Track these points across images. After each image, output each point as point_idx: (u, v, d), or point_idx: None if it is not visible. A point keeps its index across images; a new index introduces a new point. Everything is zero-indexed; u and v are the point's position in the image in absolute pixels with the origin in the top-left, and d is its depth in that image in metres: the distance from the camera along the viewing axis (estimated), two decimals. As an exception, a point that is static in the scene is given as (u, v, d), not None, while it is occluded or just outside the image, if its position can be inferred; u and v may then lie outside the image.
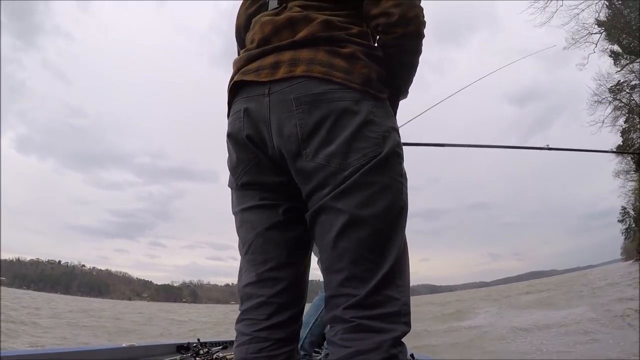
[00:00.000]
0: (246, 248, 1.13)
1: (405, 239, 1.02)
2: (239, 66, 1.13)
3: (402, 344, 0.93)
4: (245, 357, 1.06)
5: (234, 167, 1.14)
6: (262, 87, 1.04)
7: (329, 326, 1.01)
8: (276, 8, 1.17)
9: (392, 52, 1.11)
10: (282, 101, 1.01)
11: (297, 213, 1.09)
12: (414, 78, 1.20)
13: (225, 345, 3.03)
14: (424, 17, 1.09)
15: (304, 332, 2.44)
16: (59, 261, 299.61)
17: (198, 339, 2.97)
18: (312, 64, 1.01)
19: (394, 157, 1.00)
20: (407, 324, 0.95)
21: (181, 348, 2.82)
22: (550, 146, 1.88)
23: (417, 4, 1.09)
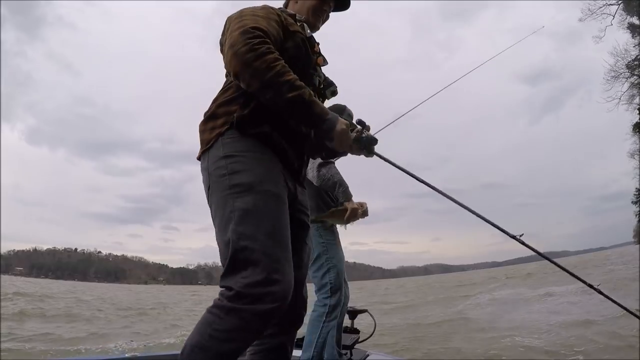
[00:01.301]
0: None
1: (260, 231, 1.23)
2: None
3: (229, 312, 1.18)
4: None
5: None
6: None
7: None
8: None
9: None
10: None
11: None
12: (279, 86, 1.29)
13: None
14: (239, 47, 1.27)
15: (309, 351, 2.47)
16: (75, 249, 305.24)
17: None
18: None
19: (217, 179, 1.33)
20: (245, 303, 1.17)
21: None
22: (523, 239, 1.84)
23: (231, 55, 1.29)
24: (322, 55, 1.69)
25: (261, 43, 1.27)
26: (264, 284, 1.17)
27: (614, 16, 18.45)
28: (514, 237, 1.84)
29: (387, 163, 1.65)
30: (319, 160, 2.57)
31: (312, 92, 1.36)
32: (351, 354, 3.03)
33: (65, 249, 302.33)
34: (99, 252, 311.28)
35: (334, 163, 2.66)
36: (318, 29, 1.73)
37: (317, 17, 1.69)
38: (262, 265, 1.19)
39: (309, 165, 2.57)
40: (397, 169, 1.71)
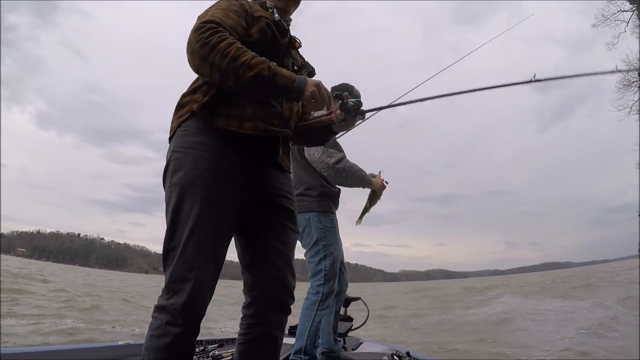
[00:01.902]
0: None
1: (182, 233, 1.31)
2: None
3: (157, 310, 1.30)
4: None
5: None
6: None
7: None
8: None
9: None
10: None
11: None
12: (229, 67, 1.29)
13: (222, 343, 2.99)
14: (193, 45, 1.31)
15: (302, 340, 2.45)
16: (78, 234, 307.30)
17: None
18: None
19: (165, 173, 1.41)
20: (167, 299, 1.28)
21: None
22: (537, 77, 1.58)
23: (189, 55, 1.34)
24: (296, 39, 1.68)
25: (212, 34, 1.30)
26: (179, 280, 1.28)
27: (627, 23, 18.10)
28: (527, 82, 1.61)
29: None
30: (331, 159, 2.57)
31: (273, 64, 1.34)
32: (344, 342, 3.00)
33: (68, 234, 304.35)
34: (102, 238, 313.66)
35: (345, 156, 2.65)
36: (290, 13, 1.72)
37: (287, 1, 1.68)
38: (180, 264, 1.29)
39: (321, 163, 2.58)
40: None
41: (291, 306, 1.52)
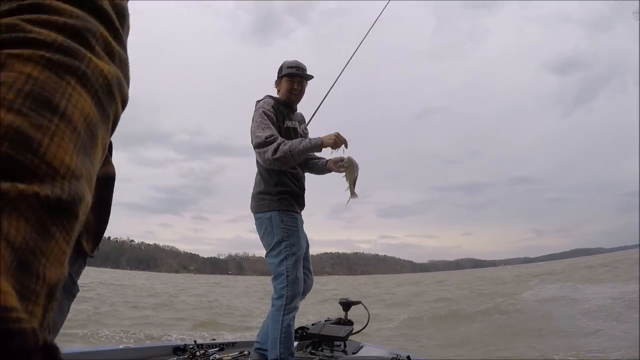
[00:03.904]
0: None
1: None
2: None
3: None
4: None
5: None
6: None
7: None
8: None
9: None
10: None
11: None
12: None
13: (222, 347, 3.02)
14: None
15: (275, 348, 2.38)
16: (109, 237, 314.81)
17: (195, 341, 2.96)
18: None
19: None
20: None
21: (177, 350, 2.83)
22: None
23: None
24: None
25: None
26: None
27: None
28: None
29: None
30: (267, 153, 2.43)
31: None
32: (345, 345, 2.99)
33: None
34: (132, 240, 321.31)
35: (279, 141, 2.47)
36: None
37: None
38: None
39: (265, 162, 2.46)
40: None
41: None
